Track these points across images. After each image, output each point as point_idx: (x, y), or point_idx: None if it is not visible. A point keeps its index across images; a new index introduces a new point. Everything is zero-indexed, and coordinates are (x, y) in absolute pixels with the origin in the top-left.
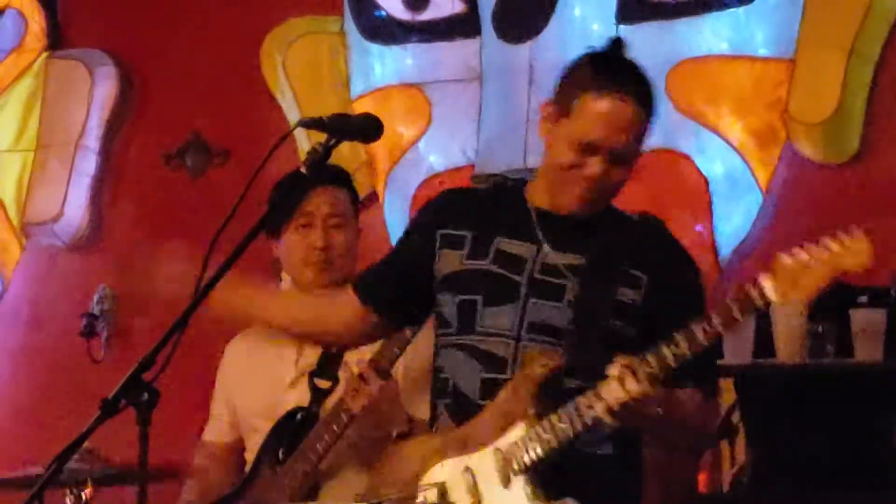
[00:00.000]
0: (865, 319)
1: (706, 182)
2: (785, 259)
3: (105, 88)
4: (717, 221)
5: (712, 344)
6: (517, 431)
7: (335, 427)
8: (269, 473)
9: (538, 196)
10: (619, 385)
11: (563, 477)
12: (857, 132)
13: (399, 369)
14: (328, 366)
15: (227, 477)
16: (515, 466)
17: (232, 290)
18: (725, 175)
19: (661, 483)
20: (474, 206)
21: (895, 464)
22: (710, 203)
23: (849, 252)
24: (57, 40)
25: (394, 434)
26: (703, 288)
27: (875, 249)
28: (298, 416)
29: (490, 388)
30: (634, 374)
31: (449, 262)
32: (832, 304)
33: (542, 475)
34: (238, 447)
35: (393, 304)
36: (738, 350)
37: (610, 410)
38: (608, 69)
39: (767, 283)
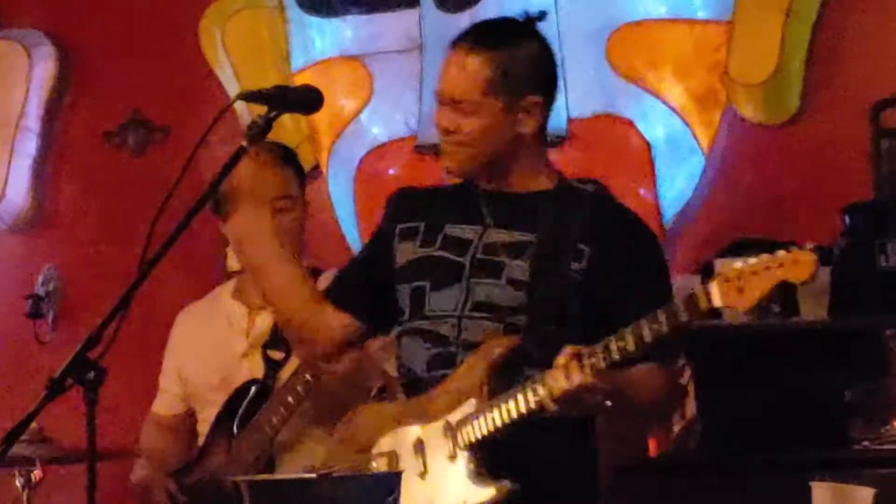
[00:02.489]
0: None
1: (648, 146)
2: (734, 265)
3: (43, 68)
4: (660, 185)
5: None
6: (467, 407)
7: (291, 399)
8: (223, 446)
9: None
10: (563, 375)
11: (509, 451)
12: (797, 92)
13: None
14: (281, 337)
15: (177, 449)
16: (461, 442)
17: (266, 233)
18: (667, 139)
19: (609, 448)
20: (428, 199)
21: (842, 421)
22: (652, 167)
23: (795, 264)
24: None
25: (374, 391)
26: (657, 256)
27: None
28: (253, 388)
29: (436, 363)
30: (580, 364)
31: (405, 253)
32: None
33: (488, 452)
34: (187, 419)
35: (367, 308)
36: None
37: (553, 398)
38: (470, 29)
39: (714, 289)
